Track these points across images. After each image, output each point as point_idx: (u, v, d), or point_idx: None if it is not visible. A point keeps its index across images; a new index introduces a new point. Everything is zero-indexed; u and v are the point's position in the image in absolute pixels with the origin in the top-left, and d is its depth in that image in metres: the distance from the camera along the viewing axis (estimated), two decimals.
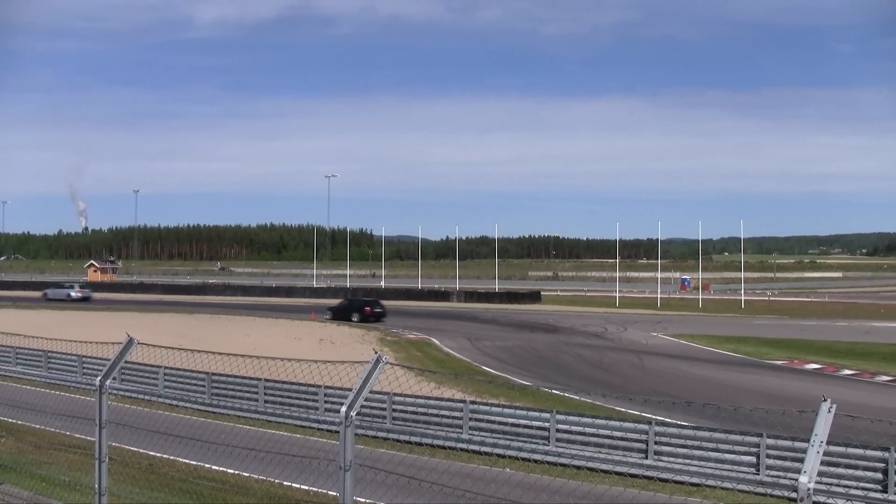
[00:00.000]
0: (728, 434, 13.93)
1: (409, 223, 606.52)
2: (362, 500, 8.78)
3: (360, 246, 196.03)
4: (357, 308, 48.72)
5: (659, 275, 75.27)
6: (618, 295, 71.43)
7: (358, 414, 4.84)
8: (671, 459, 13.86)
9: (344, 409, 4.81)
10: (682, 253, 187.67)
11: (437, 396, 18.33)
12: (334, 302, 52.85)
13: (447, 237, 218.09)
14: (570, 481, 8.85)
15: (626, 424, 15.36)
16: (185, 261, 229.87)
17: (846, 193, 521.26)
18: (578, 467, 10.76)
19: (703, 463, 13.15)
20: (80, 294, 66.86)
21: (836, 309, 61.93)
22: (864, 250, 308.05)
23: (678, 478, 4.90)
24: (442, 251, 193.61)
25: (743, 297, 67.35)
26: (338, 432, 4.84)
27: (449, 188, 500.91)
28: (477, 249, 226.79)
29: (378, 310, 48.40)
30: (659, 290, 71.32)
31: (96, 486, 6.38)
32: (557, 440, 15.27)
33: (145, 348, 7.11)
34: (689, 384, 26.28)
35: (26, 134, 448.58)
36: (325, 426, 6.04)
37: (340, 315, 47.45)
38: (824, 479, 11.77)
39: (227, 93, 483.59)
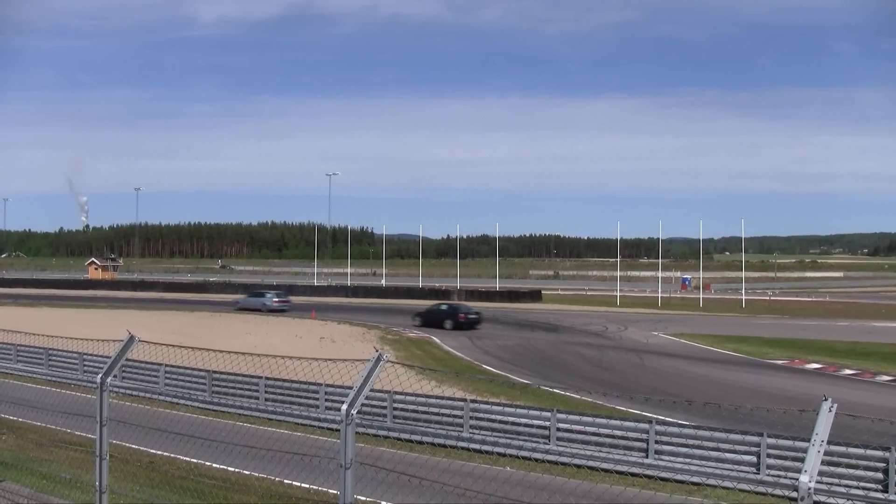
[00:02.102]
0: (729, 433, 13.92)
1: (409, 222, 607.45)
2: (363, 498, 8.77)
3: (361, 244, 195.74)
4: None
5: (660, 274, 75.27)
6: (619, 294, 71.39)
7: (359, 412, 4.84)
8: (672, 459, 13.84)
9: (345, 407, 4.81)
10: (683, 252, 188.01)
11: (438, 395, 18.31)
12: (333, 300, 56.17)
13: (448, 236, 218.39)
14: (571, 480, 8.87)
15: (627, 423, 15.33)
16: (185, 259, 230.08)
17: (847, 193, 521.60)
18: (579, 466, 10.82)
19: (703, 462, 13.15)
20: (277, 304, 52.70)
21: (837, 309, 61.88)
22: (865, 250, 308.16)
23: (679, 477, 4.91)
24: (443, 250, 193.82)
25: (744, 297, 67.31)
26: (338, 430, 4.84)
27: (450, 187, 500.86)
28: (478, 248, 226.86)
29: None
30: (660, 290, 71.26)
31: (97, 483, 6.38)
32: (558, 439, 15.27)
33: (146, 346, 7.11)
34: (689, 383, 26.27)
35: (27, 132, 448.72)
36: (325, 424, 6.04)
37: None
38: (825, 479, 11.76)
39: (229, 92, 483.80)
